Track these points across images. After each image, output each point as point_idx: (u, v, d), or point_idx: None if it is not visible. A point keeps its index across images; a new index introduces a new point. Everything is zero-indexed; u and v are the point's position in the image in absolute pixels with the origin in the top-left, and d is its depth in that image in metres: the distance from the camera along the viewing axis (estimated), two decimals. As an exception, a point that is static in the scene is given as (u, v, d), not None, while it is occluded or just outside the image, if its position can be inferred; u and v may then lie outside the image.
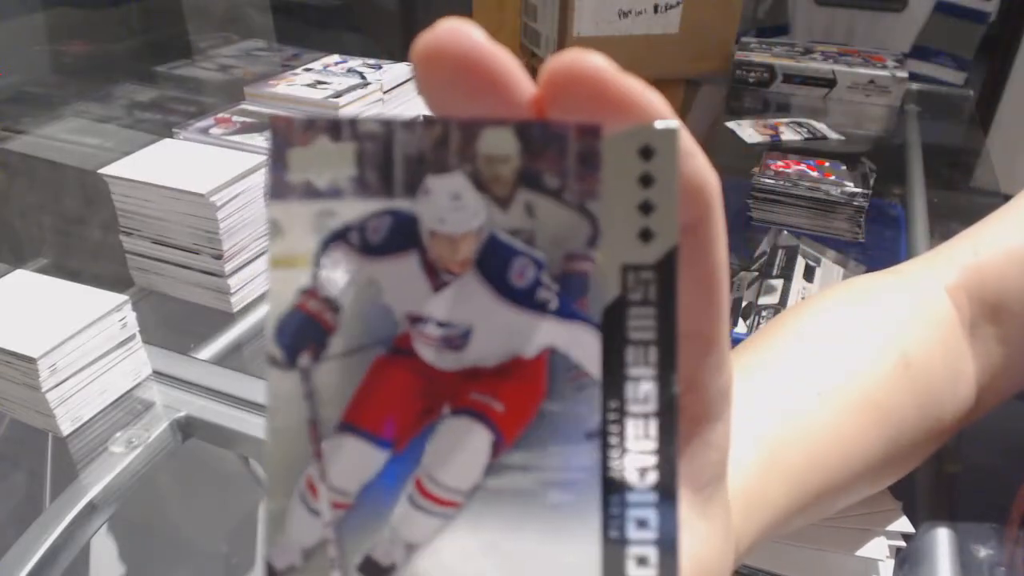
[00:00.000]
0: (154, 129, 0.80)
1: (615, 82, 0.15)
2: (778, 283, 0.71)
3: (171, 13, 1.10)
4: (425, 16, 1.42)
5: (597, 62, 0.15)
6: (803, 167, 0.89)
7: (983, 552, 0.47)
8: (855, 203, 0.84)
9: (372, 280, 0.16)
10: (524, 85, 0.16)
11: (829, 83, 1.24)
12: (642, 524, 0.15)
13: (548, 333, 0.16)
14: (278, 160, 0.15)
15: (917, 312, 0.43)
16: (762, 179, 0.87)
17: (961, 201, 1.00)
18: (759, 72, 1.28)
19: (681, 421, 0.19)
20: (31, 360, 0.52)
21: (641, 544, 0.15)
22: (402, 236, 0.15)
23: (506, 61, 0.15)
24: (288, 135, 0.15)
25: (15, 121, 0.86)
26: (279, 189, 0.15)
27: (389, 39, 1.36)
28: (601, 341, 0.15)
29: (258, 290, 0.73)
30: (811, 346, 0.40)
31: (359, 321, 0.16)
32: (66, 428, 0.56)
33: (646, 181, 0.15)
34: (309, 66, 0.91)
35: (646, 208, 0.15)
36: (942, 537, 0.47)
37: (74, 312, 0.56)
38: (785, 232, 0.79)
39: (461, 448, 0.16)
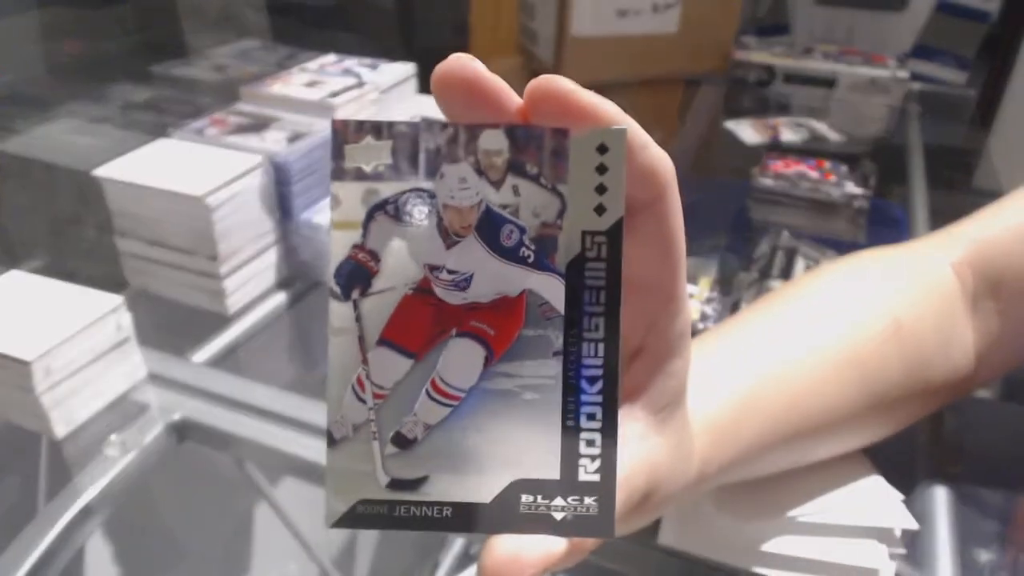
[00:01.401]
0: (149, 129, 0.79)
1: (578, 98, 0.20)
2: (777, 284, 0.70)
3: (166, 13, 1.10)
4: (422, 16, 1.41)
5: (566, 84, 0.20)
6: (803, 168, 0.89)
7: (984, 556, 0.47)
8: (855, 204, 0.83)
9: (402, 239, 0.22)
10: (512, 99, 0.21)
11: (829, 83, 1.24)
12: (591, 417, 0.22)
13: (527, 279, 0.22)
14: (337, 152, 0.21)
15: (915, 281, 0.45)
16: (762, 180, 0.87)
17: (963, 202, 0.99)
18: (759, 72, 1.27)
19: (645, 356, 0.25)
20: (25, 363, 0.52)
21: (590, 431, 0.22)
22: (424, 207, 0.22)
23: (499, 83, 0.21)
24: (344, 134, 0.21)
25: (8, 121, 0.85)
26: (338, 173, 0.21)
27: (385, 39, 1.35)
28: (565, 286, 0.21)
29: (254, 292, 0.72)
30: (803, 307, 0.43)
31: (393, 268, 0.22)
32: (60, 431, 0.56)
33: (601, 169, 0.21)
34: (305, 66, 0.90)
35: (601, 189, 0.21)
36: (943, 540, 0.47)
37: (69, 314, 0.56)
38: (785, 233, 0.79)
39: (464, 359, 0.22)
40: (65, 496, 0.53)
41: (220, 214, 0.66)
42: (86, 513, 0.52)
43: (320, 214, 0.74)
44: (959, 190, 1.05)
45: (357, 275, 0.22)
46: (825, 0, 1.70)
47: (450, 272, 0.22)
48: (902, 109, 1.22)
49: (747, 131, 1.11)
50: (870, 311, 0.43)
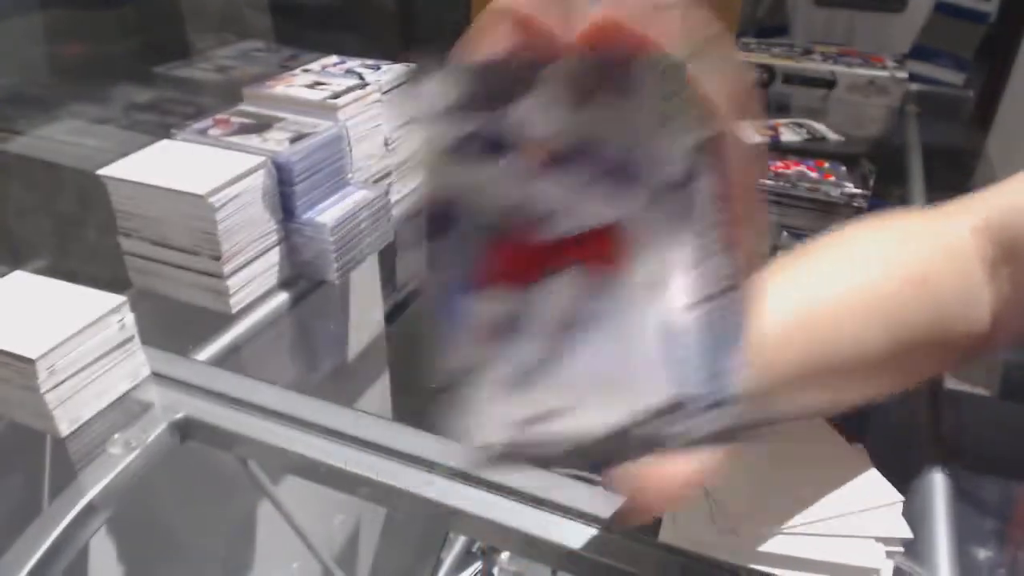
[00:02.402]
0: (152, 130, 0.79)
1: (640, 24, 0.20)
2: (778, 284, 0.71)
3: (169, 14, 1.10)
4: (424, 17, 1.41)
5: (626, 10, 0.20)
6: (803, 168, 0.89)
7: (983, 554, 0.47)
8: (855, 204, 0.84)
9: (485, 177, 0.21)
10: (578, 30, 0.20)
11: (828, 84, 1.24)
12: (685, 349, 0.21)
13: (616, 209, 0.21)
14: (414, 95, 0.21)
15: (936, 242, 0.47)
16: (761, 180, 0.87)
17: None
18: (758, 72, 1.28)
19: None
20: (29, 362, 0.52)
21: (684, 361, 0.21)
22: (505, 144, 0.21)
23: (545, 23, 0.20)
24: (421, 78, 0.21)
25: (13, 122, 0.86)
26: (415, 117, 0.21)
27: (388, 40, 1.36)
28: (665, 207, 0.21)
29: (257, 291, 0.73)
30: (829, 258, 0.45)
31: (478, 207, 0.22)
32: (64, 429, 0.56)
33: (671, 93, 0.20)
34: (307, 67, 0.91)
35: (678, 110, 0.21)
36: (941, 538, 0.47)
37: (73, 313, 0.56)
38: (784, 233, 0.79)
39: (567, 292, 0.22)
40: (69, 494, 0.53)
41: (223, 213, 0.67)
42: (89, 511, 0.53)
43: (322, 214, 0.74)
44: (957, 191, 1.05)
45: (442, 217, 0.22)
46: (824, 1, 1.70)
47: (538, 206, 0.21)
48: (901, 110, 1.22)
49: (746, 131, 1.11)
50: (894, 264, 0.45)
